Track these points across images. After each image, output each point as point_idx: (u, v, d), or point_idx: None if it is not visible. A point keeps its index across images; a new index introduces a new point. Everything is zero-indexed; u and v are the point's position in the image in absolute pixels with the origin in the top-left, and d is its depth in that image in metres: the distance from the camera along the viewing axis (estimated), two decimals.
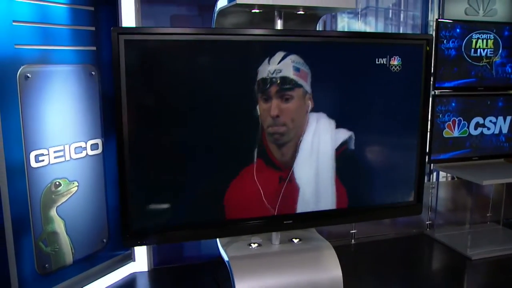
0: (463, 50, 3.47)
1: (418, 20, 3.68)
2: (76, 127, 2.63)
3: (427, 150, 3.50)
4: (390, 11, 3.63)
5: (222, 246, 2.04)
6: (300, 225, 1.95)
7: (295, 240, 2.08)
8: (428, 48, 1.90)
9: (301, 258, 1.96)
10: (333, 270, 1.94)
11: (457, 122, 3.55)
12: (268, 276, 1.89)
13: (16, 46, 2.28)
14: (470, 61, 3.51)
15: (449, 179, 4.02)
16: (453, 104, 3.52)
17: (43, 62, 2.42)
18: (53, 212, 2.55)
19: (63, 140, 2.56)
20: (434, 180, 3.89)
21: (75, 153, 2.63)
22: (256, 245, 2.04)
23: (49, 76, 2.45)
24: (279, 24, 1.86)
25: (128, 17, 2.79)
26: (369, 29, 3.47)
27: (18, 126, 2.32)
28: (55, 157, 2.52)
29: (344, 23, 3.44)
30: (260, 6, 1.71)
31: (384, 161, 1.98)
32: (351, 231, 3.68)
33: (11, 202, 2.30)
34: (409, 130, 1.98)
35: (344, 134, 1.96)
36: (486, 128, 3.65)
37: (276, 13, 1.84)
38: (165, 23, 2.95)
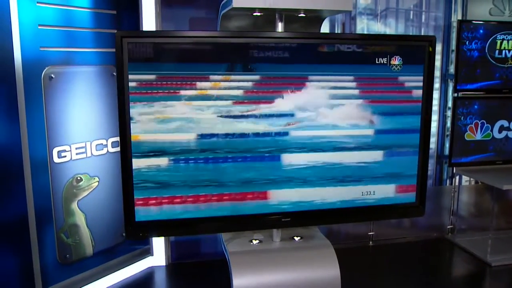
0: (486, 51, 3.39)
1: (440, 21, 3.62)
2: (98, 125, 2.75)
3: (448, 153, 3.48)
4: (411, 12, 3.59)
5: (224, 242, 2.10)
6: (298, 223, 1.97)
7: (296, 238, 2.12)
8: (430, 49, 1.90)
9: (300, 256, 1.99)
10: (331, 269, 1.95)
11: (479, 125, 3.47)
12: (265, 272, 1.93)
13: (41, 49, 2.43)
14: (494, 62, 3.42)
15: (473, 183, 3.93)
16: (476, 106, 3.44)
17: (67, 63, 2.56)
18: (74, 206, 2.69)
19: (85, 137, 2.69)
20: (457, 184, 3.81)
21: (96, 150, 2.76)
22: (257, 241, 2.09)
23: (72, 77, 2.59)
24: (280, 27, 1.91)
25: (149, 20, 2.90)
26: (388, 30, 3.45)
27: (42, 124, 2.46)
28: (77, 153, 2.66)
29: (364, 25, 3.43)
30: (259, 10, 1.76)
31: (386, 161, 1.98)
32: (369, 233, 3.66)
33: (34, 195, 2.45)
34: (411, 131, 1.99)
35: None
36: (511, 132, 3.55)
37: (277, 16, 1.88)
38: (184, 26, 3.04)
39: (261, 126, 1.87)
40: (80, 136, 2.66)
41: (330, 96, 1.94)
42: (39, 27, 2.40)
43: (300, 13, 1.83)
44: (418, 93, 1.94)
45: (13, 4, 2.26)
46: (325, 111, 1.93)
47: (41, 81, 2.44)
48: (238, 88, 1.84)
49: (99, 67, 2.72)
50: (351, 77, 1.91)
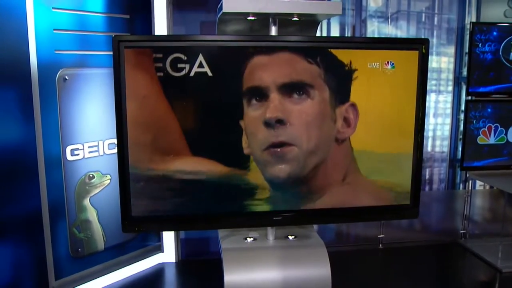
0: (500, 54, 3.34)
1: (454, 23, 3.59)
2: (110, 125, 2.85)
3: (460, 157, 3.44)
4: (423, 14, 3.57)
5: (220, 239, 2.16)
6: (290, 222, 2.00)
7: (291, 237, 2.16)
8: (424, 51, 1.91)
9: (292, 254, 2.02)
10: (322, 268, 1.98)
11: (493, 128, 3.42)
12: (256, 269, 1.98)
13: (56, 52, 2.55)
14: (508, 65, 3.37)
15: (487, 187, 3.86)
16: (489, 109, 3.39)
17: (80, 65, 2.68)
18: (87, 202, 2.81)
19: (97, 136, 2.80)
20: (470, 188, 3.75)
21: (109, 149, 2.87)
22: (251, 239, 2.15)
23: (86, 78, 2.71)
24: (273, 31, 1.95)
25: (161, 24, 3.00)
26: (400, 33, 3.44)
27: (56, 123, 2.59)
28: (89, 152, 2.77)
29: (374, 28, 3.44)
30: (250, 14, 1.82)
31: (380, 162, 2.00)
32: (378, 236, 3.65)
33: (48, 191, 2.57)
34: (405, 132, 2.00)
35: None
36: None
37: (270, 20, 1.93)
38: (195, 29, 3.13)
39: None
40: (92, 135, 2.78)
41: None
42: (54, 31, 2.52)
43: (293, 17, 1.88)
44: (412, 96, 1.95)
45: (30, 9, 2.39)
46: None
47: (56, 82, 2.56)
48: None
49: (112, 69, 2.82)
50: None
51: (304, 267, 1.99)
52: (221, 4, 1.78)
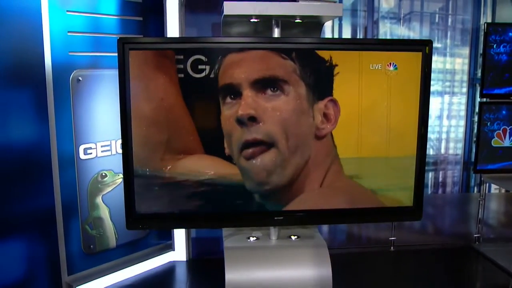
0: None
1: (468, 24, 3.54)
2: None
3: (474, 160, 3.39)
4: (437, 15, 3.53)
5: (223, 237, 2.19)
6: (291, 222, 2.01)
7: (293, 237, 2.17)
8: (427, 52, 1.90)
9: (294, 254, 2.03)
10: (323, 269, 1.98)
11: (508, 131, 3.36)
12: (257, 268, 1.99)
13: (70, 53, 2.62)
14: None
15: (503, 191, 3.80)
16: (504, 112, 3.34)
17: (93, 67, 2.75)
18: (99, 200, 2.87)
19: (110, 136, 2.87)
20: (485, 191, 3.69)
21: (121, 148, 2.93)
22: (254, 238, 2.17)
23: (99, 79, 2.77)
24: (276, 32, 1.97)
25: (173, 26, 3.05)
26: (412, 34, 3.42)
27: (69, 123, 2.66)
28: (102, 151, 2.84)
29: (386, 29, 3.42)
30: (250, 16, 1.84)
31: (383, 164, 2.00)
32: (390, 238, 3.62)
33: (61, 189, 2.65)
34: (409, 133, 2.00)
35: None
36: None
37: (273, 22, 1.95)
38: (207, 31, 3.16)
39: None
40: (105, 135, 2.84)
41: None
42: (68, 34, 2.59)
43: (296, 19, 1.90)
44: (415, 97, 1.94)
45: (45, 12, 2.46)
46: None
47: (69, 83, 2.64)
48: None
49: None
50: None
51: (305, 267, 2.00)
52: (223, 7, 1.81)
